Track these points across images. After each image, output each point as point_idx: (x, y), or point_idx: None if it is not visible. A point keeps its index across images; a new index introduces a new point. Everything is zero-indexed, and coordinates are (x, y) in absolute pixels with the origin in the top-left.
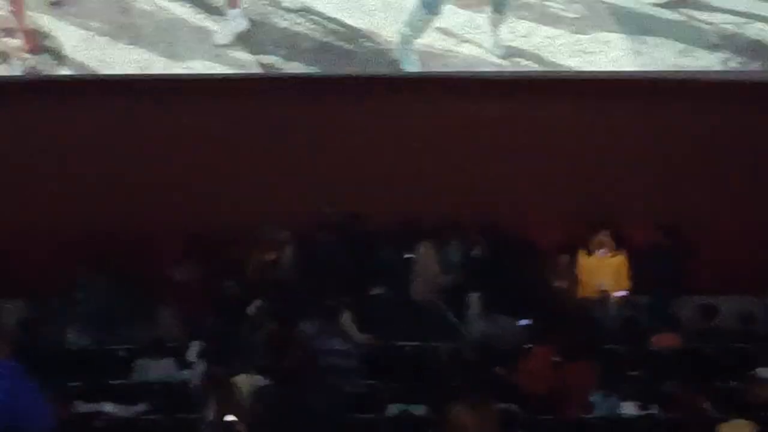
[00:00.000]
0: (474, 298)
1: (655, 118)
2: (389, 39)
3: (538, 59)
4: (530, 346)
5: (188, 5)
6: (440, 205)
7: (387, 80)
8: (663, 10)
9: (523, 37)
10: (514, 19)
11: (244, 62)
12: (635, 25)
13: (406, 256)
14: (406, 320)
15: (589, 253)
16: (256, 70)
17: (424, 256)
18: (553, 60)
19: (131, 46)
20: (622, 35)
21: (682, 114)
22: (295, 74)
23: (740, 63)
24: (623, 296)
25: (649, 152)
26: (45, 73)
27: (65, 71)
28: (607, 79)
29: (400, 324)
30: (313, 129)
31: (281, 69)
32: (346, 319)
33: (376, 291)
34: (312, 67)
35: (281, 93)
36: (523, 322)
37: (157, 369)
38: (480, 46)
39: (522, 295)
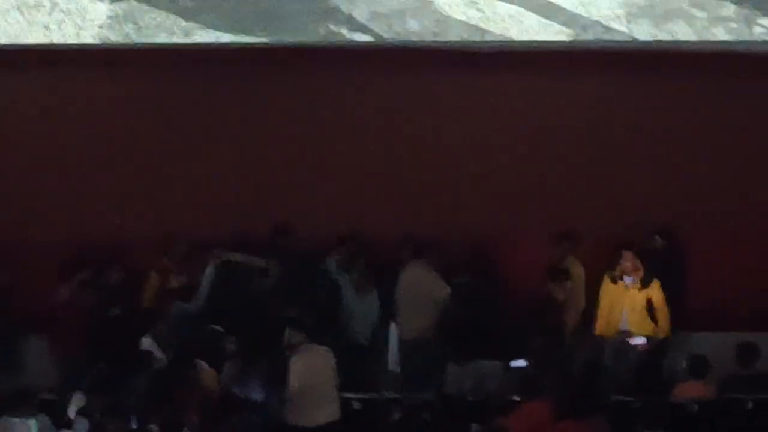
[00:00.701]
0: None
1: (670, 98)
2: None
3: None
4: (520, 399)
5: None
6: (389, 216)
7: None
8: None
9: None
10: None
11: None
12: None
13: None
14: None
15: (614, 279)
16: None
17: (416, 279)
18: None
19: None
20: None
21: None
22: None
23: None
24: (644, 344)
25: (661, 143)
26: None
27: None
28: (600, 50)
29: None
30: (234, 113)
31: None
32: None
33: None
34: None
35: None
36: (517, 363)
37: (25, 431)
38: None
39: (507, 333)
